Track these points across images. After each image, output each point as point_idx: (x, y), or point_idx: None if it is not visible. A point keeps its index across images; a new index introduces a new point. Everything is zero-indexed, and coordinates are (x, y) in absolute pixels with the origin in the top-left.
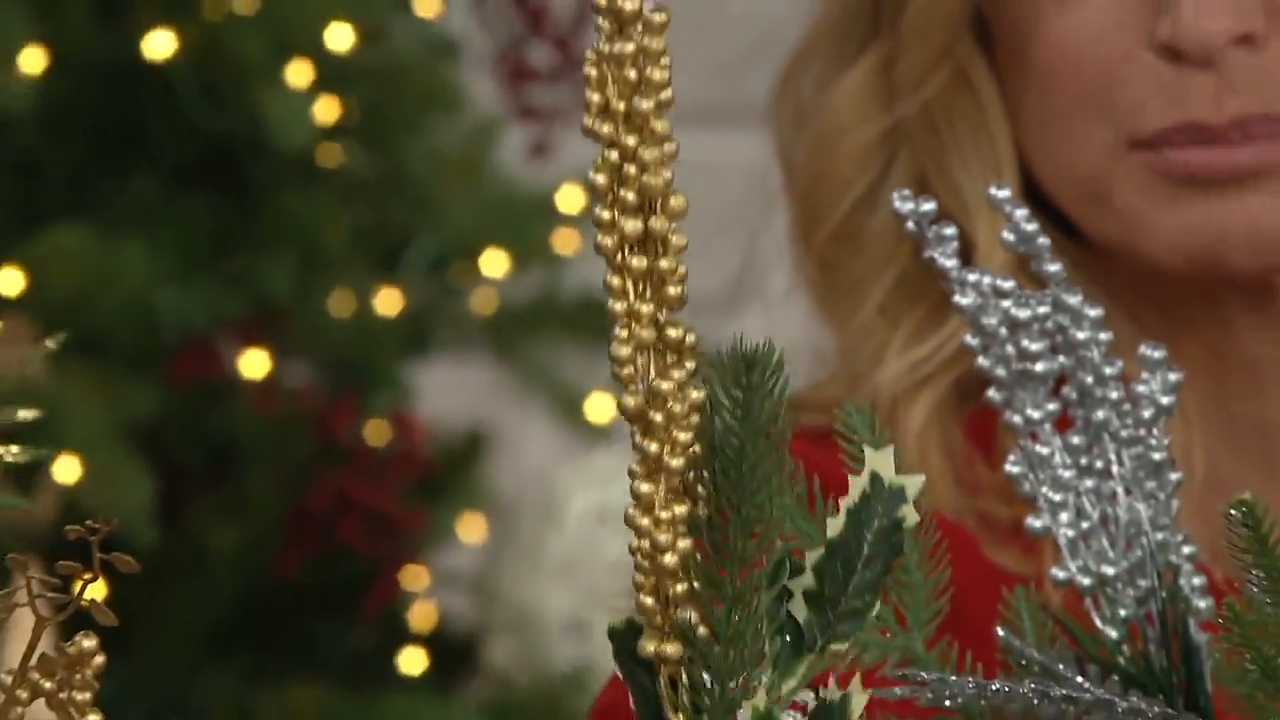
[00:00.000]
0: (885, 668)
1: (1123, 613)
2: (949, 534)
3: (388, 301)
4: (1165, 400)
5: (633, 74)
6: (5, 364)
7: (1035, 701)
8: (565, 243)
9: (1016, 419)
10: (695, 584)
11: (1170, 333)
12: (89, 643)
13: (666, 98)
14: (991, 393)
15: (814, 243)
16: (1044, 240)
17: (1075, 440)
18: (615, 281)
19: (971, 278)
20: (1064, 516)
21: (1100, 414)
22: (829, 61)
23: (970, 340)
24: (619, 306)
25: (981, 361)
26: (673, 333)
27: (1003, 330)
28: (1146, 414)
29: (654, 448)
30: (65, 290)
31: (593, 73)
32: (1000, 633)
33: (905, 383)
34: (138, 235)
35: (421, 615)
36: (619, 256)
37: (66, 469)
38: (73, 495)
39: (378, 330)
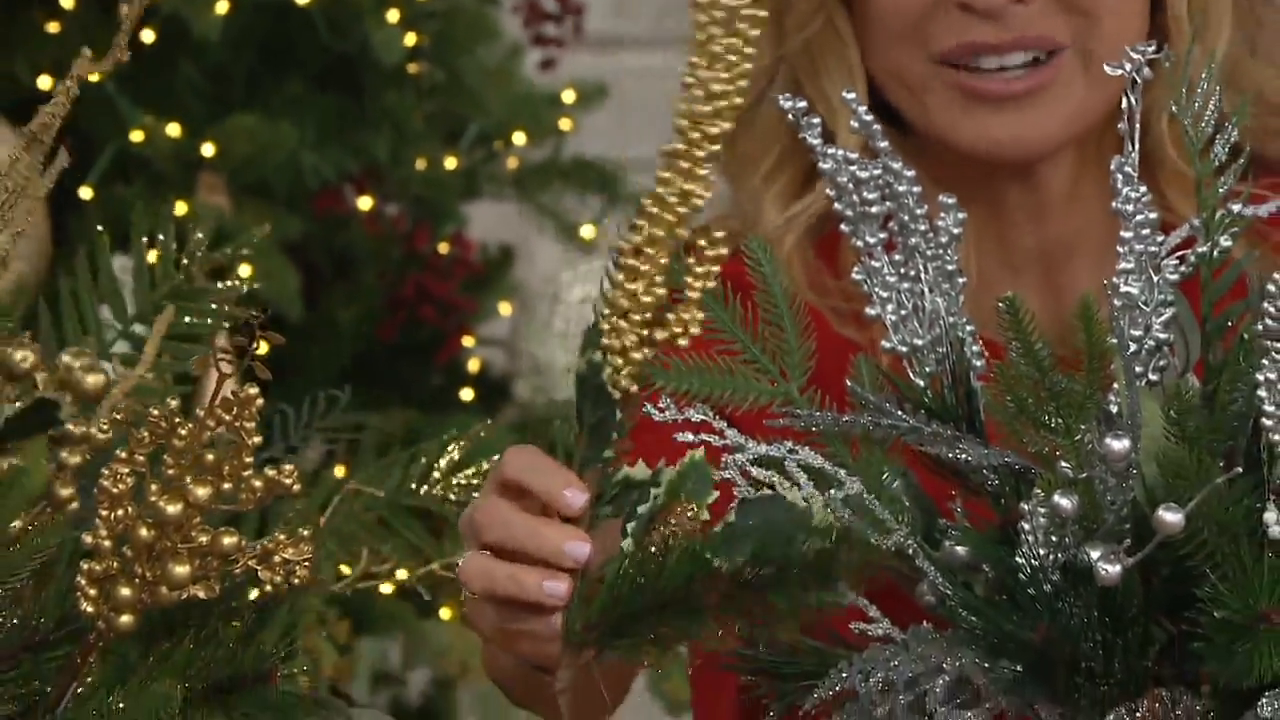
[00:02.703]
0: (771, 408)
1: (927, 369)
2: (812, 316)
3: (450, 163)
4: (955, 231)
5: None
6: (207, 203)
7: (871, 428)
8: (565, 125)
9: (859, 243)
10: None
11: (964, 190)
12: (253, 390)
13: None
14: (843, 226)
15: None
16: (877, 127)
17: (897, 258)
18: None
19: (830, 151)
20: (890, 307)
21: (913, 240)
22: None
23: (829, 192)
24: None
25: (836, 206)
26: None
27: (850, 185)
28: (943, 240)
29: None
30: (242, 155)
31: None
32: (849, 383)
33: (779, 226)
34: (290, 118)
35: (473, 365)
36: None
37: (244, 271)
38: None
39: (444, 181)
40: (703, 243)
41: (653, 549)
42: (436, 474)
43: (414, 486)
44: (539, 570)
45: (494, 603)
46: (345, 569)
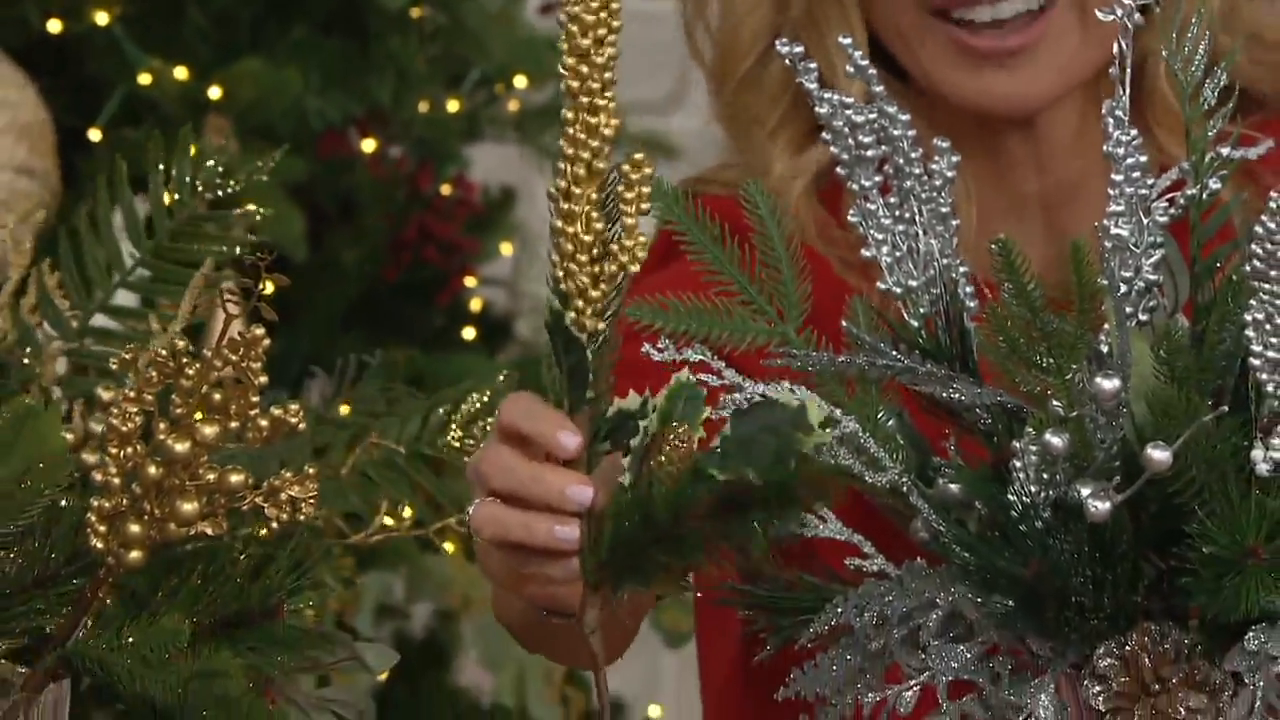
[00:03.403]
0: (769, 348)
1: (922, 310)
2: (814, 260)
3: (453, 106)
4: (949, 174)
5: None
6: (213, 144)
7: (866, 368)
8: None
9: (855, 186)
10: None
11: (964, 138)
12: (259, 331)
13: None
14: (839, 169)
15: (724, 90)
16: (873, 72)
17: (892, 200)
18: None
19: (827, 95)
20: (885, 249)
21: (908, 183)
22: None
23: (825, 136)
24: None
25: (833, 149)
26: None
27: (846, 129)
28: (937, 183)
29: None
30: (248, 98)
31: None
32: (845, 324)
33: (787, 176)
34: (295, 63)
35: (475, 304)
36: None
37: (255, 210)
38: (252, 229)
39: (447, 124)
40: (628, 168)
41: (650, 478)
42: (454, 425)
43: (432, 437)
44: (549, 516)
45: (506, 549)
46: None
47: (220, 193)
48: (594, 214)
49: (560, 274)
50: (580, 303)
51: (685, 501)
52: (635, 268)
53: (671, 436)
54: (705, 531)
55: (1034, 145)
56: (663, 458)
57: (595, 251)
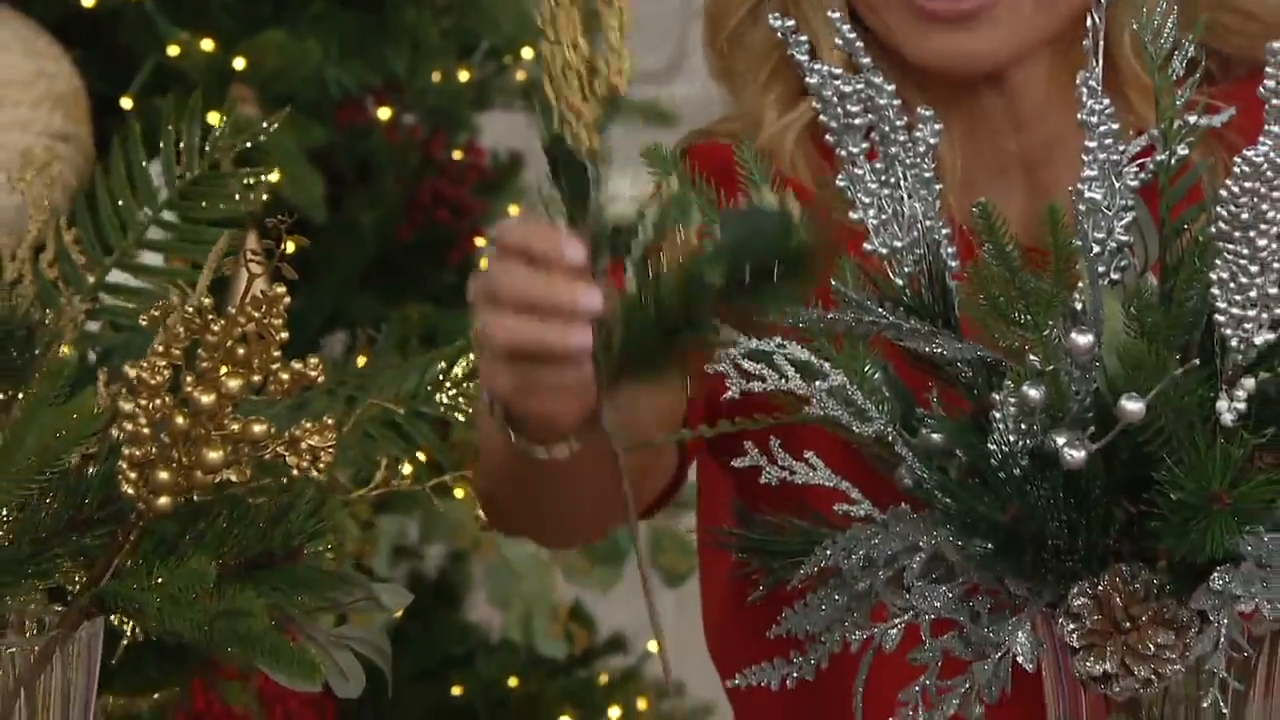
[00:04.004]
0: None
1: (906, 270)
2: (809, 198)
3: (464, 76)
4: (932, 141)
5: None
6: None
7: (854, 324)
8: None
9: (843, 153)
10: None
11: (945, 99)
12: (280, 289)
13: None
14: (828, 137)
15: (716, 45)
16: (860, 44)
17: (878, 166)
18: None
19: (816, 66)
20: (871, 212)
21: (893, 149)
22: None
23: (815, 105)
24: None
25: (822, 118)
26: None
27: (834, 98)
28: (921, 149)
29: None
30: (271, 68)
31: None
32: (833, 283)
33: (778, 130)
34: (315, 34)
35: (484, 263)
36: None
37: (273, 175)
38: (276, 191)
39: (458, 93)
40: None
41: (655, 278)
42: (450, 383)
43: (430, 391)
44: (562, 323)
45: (517, 360)
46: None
47: (232, 154)
48: (579, 37)
49: (553, 97)
50: (575, 121)
51: (693, 288)
52: (625, 87)
53: (669, 242)
54: (713, 311)
55: (1009, 104)
56: (663, 261)
57: (584, 71)
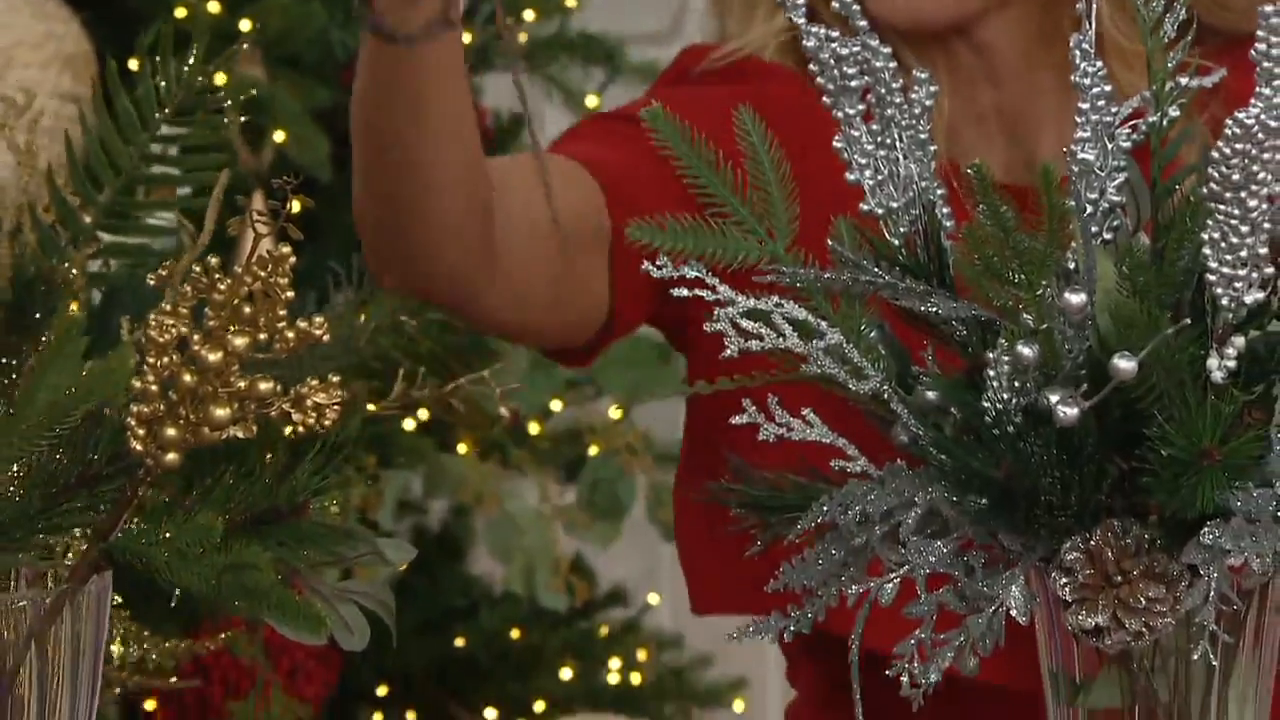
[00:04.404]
0: (759, 265)
1: (902, 230)
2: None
3: (466, 38)
4: (928, 103)
5: None
6: (244, 74)
7: (850, 283)
8: (571, 2)
9: (839, 114)
10: None
11: (927, 51)
12: (286, 249)
13: None
14: (824, 99)
15: None
16: (857, 7)
17: (875, 127)
18: None
19: (814, 29)
20: (868, 173)
21: (889, 111)
22: None
23: (812, 68)
24: None
25: (819, 80)
26: None
27: (831, 60)
28: (916, 110)
29: None
30: (276, 30)
31: None
32: (830, 243)
33: (758, 37)
34: None
35: None
36: None
37: (279, 136)
38: (282, 151)
39: None
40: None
41: None
42: None
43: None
44: None
45: None
46: (372, 407)
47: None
48: None
49: None
50: None
51: None
52: None
53: None
54: None
55: (982, 60)
56: None
57: None
